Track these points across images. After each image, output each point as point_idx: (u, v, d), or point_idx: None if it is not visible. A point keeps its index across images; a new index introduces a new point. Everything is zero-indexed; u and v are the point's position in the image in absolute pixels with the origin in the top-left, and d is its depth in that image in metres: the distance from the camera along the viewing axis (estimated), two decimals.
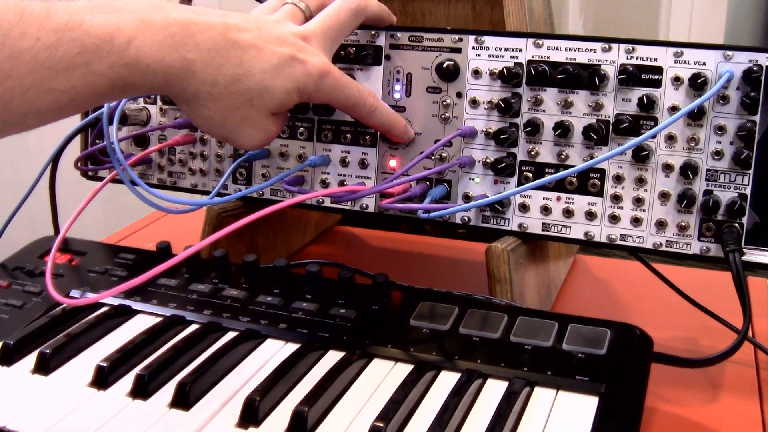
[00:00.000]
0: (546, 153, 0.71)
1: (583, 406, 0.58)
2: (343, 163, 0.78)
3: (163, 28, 0.56)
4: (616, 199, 0.70)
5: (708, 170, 0.67)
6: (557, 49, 0.70)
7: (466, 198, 0.74)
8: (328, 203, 0.79)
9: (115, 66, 0.53)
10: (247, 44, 0.60)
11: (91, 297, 0.65)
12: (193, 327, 0.69)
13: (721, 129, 0.66)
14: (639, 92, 0.68)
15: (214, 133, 0.64)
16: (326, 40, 0.68)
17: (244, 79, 0.60)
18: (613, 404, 0.57)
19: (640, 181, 0.69)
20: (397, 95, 0.76)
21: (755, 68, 0.64)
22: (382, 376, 0.62)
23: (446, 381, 0.61)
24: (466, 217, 0.75)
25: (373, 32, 0.76)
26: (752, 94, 0.64)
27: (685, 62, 0.66)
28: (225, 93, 0.60)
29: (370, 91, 0.71)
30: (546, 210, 0.72)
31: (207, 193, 0.85)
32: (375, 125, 0.72)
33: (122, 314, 0.71)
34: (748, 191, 0.66)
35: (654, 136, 0.68)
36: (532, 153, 0.72)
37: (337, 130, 0.78)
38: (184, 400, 0.59)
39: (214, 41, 0.58)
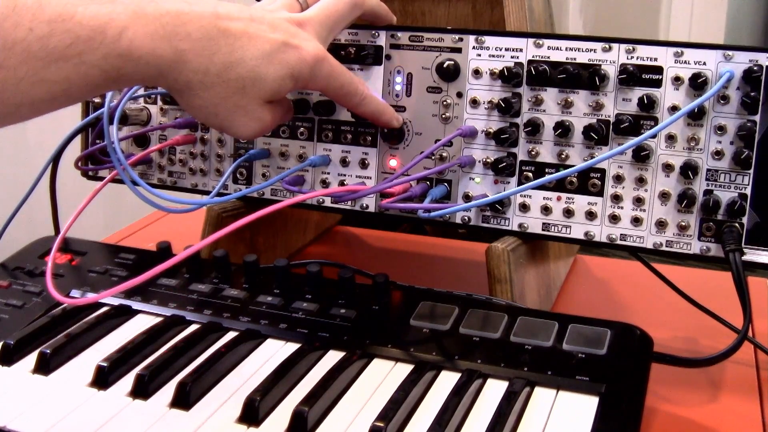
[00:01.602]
0: (546, 153, 0.71)
1: (583, 406, 0.58)
2: (344, 162, 0.78)
3: (155, 18, 0.56)
4: (617, 198, 0.70)
5: (708, 170, 0.67)
6: (557, 49, 0.70)
7: (467, 198, 0.74)
8: (328, 203, 0.79)
9: (108, 57, 0.53)
10: (239, 32, 0.60)
11: (91, 297, 0.65)
12: (194, 327, 0.69)
13: (721, 129, 0.66)
14: (639, 92, 0.68)
15: (209, 122, 0.64)
16: (322, 28, 0.67)
17: (236, 67, 0.60)
18: (613, 404, 0.57)
19: (641, 181, 0.69)
20: (397, 95, 0.76)
21: (755, 68, 0.64)
22: (383, 376, 0.62)
23: (446, 381, 0.61)
24: (466, 217, 0.75)
25: (373, 32, 0.76)
26: (752, 93, 0.64)
27: (685, 62, 0.66)
28: (217, 81, 0.60)
29: (361, 80, 0.71)
30: (546, 210, 0.72)
31: (207, 192, 0.85)
32: (364, 113, 0.72)
33: (122, 314, 0.71)
34: (748, 191, 0.66)
35: (654, 136, 0.68)
36: (533, 153, 0.72)
37: (337, 130, 0.78)
38: (184, 400, 0.59)
39: (206, 30, 0.58)
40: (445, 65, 0.73)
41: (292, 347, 0.65)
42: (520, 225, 0.73)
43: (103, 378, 0.61)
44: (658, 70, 0.67)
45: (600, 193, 0.70)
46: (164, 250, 0.76)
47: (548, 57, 0.70)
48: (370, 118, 0.74)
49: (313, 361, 0.63)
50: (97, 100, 0.86)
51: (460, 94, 0.73)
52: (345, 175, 0.78)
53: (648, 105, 0.67)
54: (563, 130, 0.70)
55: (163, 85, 0.60)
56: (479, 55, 0.72)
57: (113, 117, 0.77)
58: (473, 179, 0.74)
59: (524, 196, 0.72)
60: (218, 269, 0.75)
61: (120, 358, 0.63)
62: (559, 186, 0.71)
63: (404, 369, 0.62)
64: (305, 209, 0.84)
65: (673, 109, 0.67)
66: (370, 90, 0.72)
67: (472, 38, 0.72)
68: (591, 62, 0.69)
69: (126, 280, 0.60)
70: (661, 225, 0.69)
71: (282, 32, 0.63)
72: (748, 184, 0.66)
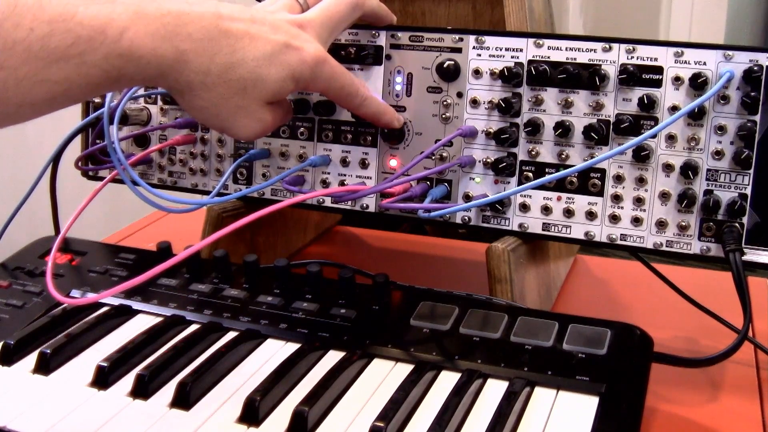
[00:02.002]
0: (546, 153, 0.71)
1: (584, 406, 0.58)
2: (344, 162, 0.78)
3: (155, 18, 0.56)
4: (617, 198, 0.70)
5: (708, 170, 0.67)
6: (558, 49, 0.70)
7: (467, 198, 0.74)
8: (328, 203, 0.79)
9: (108, 57, 0.53)
10: (240, 33, 0.60)
11: (91, 297, 0.65)
12: (194, 327, 0.69)
13: (721, 129, 0.66)
14: (639, 92, 0.68)
15: (210, 123, 0.64)
16: (323, 30, 0.68)
17: (237, 68, 0.60)
18: (613, 404, 0.57)
19: (641, 181, 0.69)
20: (397, 95, 0.76)
21: (755, 68, 0.64)
22: (383, 376, 0.62)
23: (446, 381, 0.61)
24: (466, 217, 0.75)
25: (373, 32, 0.76)
26: (752, 93, 0.64)
27: (685, 62, 0.66)
28: (218, 82, 0.60)
29: (361, 81, 0.72)
30: (546, 210, 0.72)
31: (207, 192, 0.85)
32: (365, 114, 0.72)
33: (122, 314, 0.71)
34: (748, 191, 0.66)
35: (654, 136, 0.68)
36: (533, 153, 0.72)
37: (337, 130, 0.78)
38: (184, 400, 0.59)
39: (207, 31, 0.58)
40: (445, 65, 0.73)
41: (292, 347, 0.65)
42: (520, 225, 0.73)
43: (103, 378, 0.61)
44: (658, 70, 0.67)
45: (600, 193, 0.70)
46: (164, 250, 0.76)
47: (548, 57, 0.70)
48: (371, 119, 0.74)
49: (313, 361, 0.63)
50: (97, 100, 0.86)
51: (460, 94, 0.73)
52: (345, 175, 0.78)
53: (648, 105, 0.67)
54: (563, 130, 0.70)
55: (164, 85, 0.60)
56: (479, 55, 0.72)
57: (113, 117, 0.77)
58: (473, 179, 0.74)
59: (524, 196, 0.72)
60: (218, 269, 0.75)
61: (120, 358, 0.63)
62: (559, 186, 0.71)
63: (404, 369, 0.62)
64: (305, 209, 0.84)
65: (673, 109, 0.67)
66: (371, 91, 0.72)
67: (472, 38, 0.72)
68: (591, 62, 0.69)
69: (126, 280, 0.60)
70: (661, 225, 0.69)
71: (283, 33, 0.63)
72: (748, 184, 0.66)
